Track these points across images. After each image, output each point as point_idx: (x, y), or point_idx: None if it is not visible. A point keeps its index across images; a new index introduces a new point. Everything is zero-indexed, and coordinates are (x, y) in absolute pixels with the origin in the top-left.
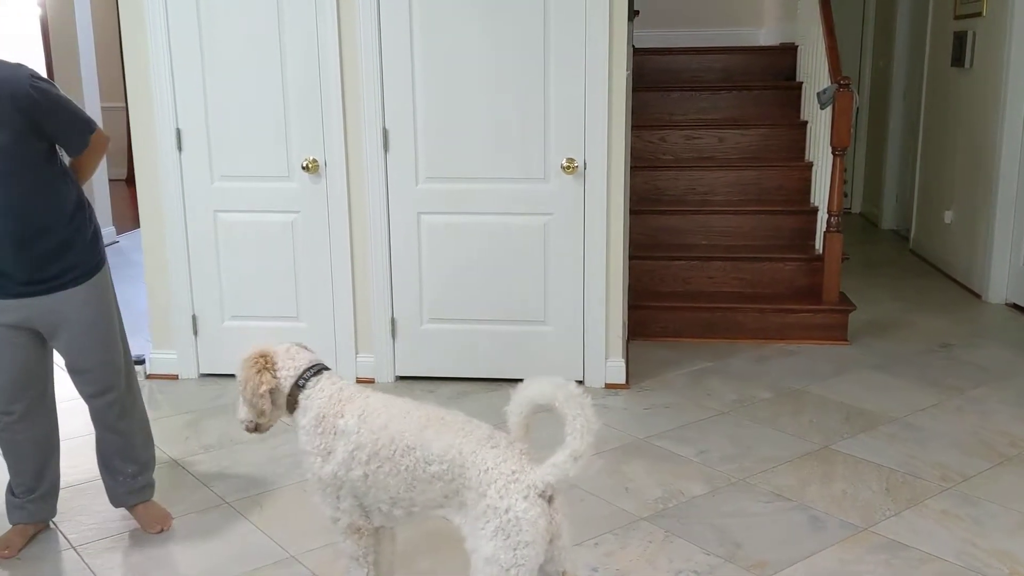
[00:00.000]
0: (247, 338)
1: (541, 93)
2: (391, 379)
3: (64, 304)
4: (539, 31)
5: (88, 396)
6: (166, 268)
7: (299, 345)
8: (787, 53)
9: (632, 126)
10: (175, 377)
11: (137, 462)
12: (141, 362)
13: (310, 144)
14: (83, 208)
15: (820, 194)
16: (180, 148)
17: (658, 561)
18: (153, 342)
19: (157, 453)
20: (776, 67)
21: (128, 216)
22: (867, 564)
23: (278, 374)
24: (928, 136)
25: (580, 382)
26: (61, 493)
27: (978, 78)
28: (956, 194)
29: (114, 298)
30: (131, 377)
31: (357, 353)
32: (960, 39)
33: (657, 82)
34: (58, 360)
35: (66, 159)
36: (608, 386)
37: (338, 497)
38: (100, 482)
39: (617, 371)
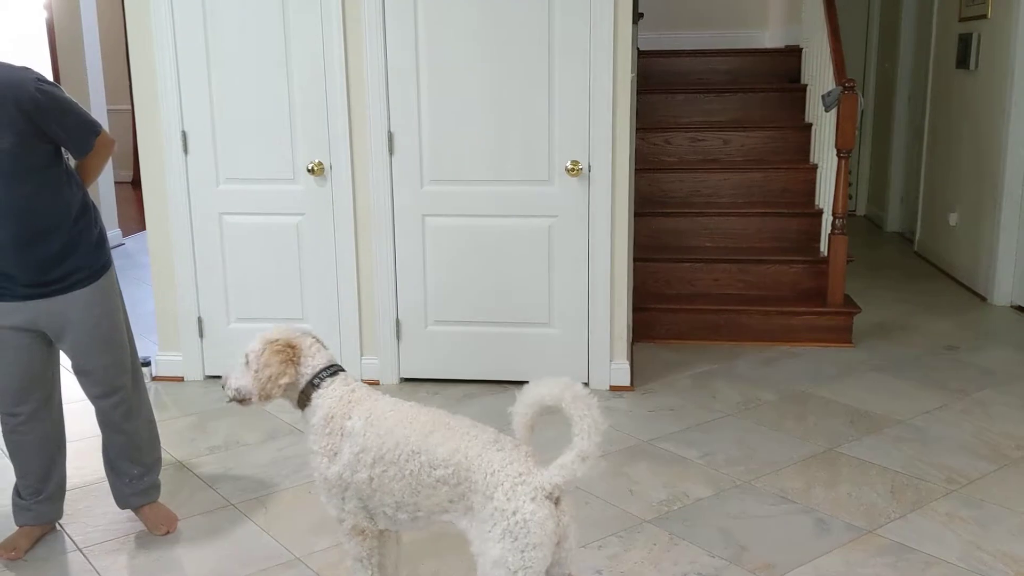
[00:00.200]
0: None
1: (545, 95)
2: (396, 381)
3: (70, 306)
4: (544, 33)
5: (94, 397)
6: (172, 270)
7: (316, 339)
8: (792, 55)
9: (636, 128)
10: (181, 379)
11: (143, 463)
12: (147, 364)
13: (315, 147)
14: (88, 210)
15: (825, 196)
16: (186, 150)
17: (663, 564)
18: (159, 344)
19: (163, 455)
20: (781, 69)
21: (134, 218)
22: (872, 567)
23: (300, 370)
24: (933, 138)
25: (585, 384)
26: (67, 495)
27: (983, 80)
28: (961, 196)
29: (120, 300)
30: (138, 378)
31: (362, 355)
32: (965, 41)
33: (662, 84)
34: (64, 361)
35: (71, 162)
36: (613, 388)
37: (343, 498)
38: (106, 484)
39: (622, 373)
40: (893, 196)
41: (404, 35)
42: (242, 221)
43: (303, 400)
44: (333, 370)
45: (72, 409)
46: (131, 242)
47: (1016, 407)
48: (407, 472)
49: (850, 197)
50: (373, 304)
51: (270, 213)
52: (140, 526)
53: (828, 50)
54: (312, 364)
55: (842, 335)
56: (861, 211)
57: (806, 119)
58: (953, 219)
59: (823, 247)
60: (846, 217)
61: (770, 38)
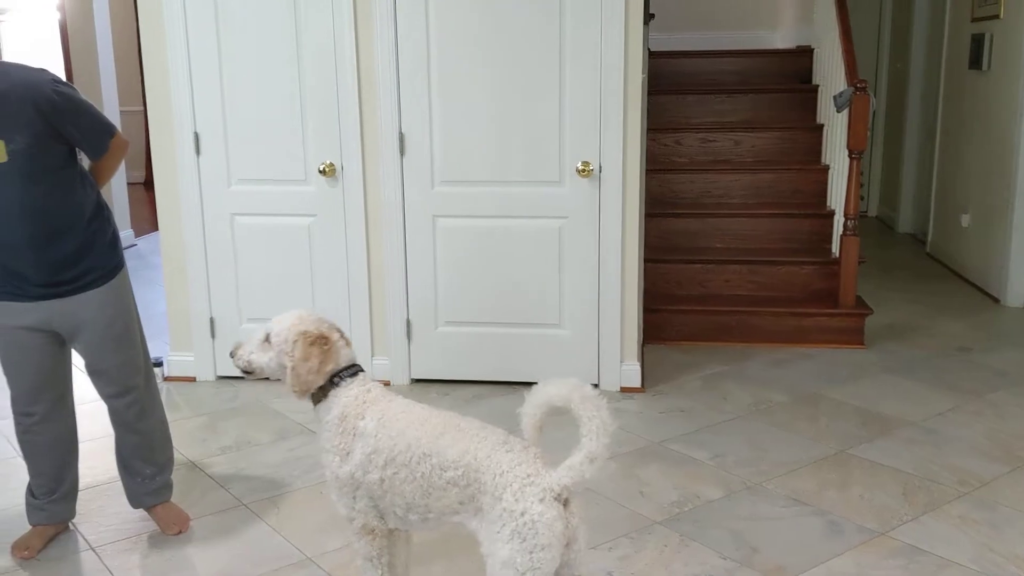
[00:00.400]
0: None
1: (556, 96)
2: (406, 381)
3: (83, 307)
4: (555, 34)
5: (107, 397)
6: (184, 271)
7: (341, 334)
8: (803, 56)
9: (647, 129)
10: (193, 379)
11: (156, 463)
12: (159, 364)
13: (327, 148)
14: (102, 211)
15: (836, 197)
16: (198, 152)
17: (674, 565)
18: (171, 344)
19: (175, 455)
20: (792, 70)
21: (146, 219)
22: (884, 569)
23: (328, 367)
24: (945, 139)
25: (595, 385)
26: (80, 494)
27: (995, 80)
28: (973, 197)
29: (133, 300)
30: (150, 378)
31: (373, 356)
32: (977, 41)
33: (672, 85)
34: (78, 361)
35: (85, 162)
36: (623, 390)
37: (354, 497)
38: (119, 483)
39: (632, 375)
40: (905, 197)
41: (416, 35)
42: (254, 222)
43: (319, 396)
44: (354, 371)
45: (85, 409)
46: (143, 243)
47: None
48: (418, 474)
49: (862, 198)
50: (384, 305)
51: (282, 214)
52: (152, 526)
53: (840, 51)
54: (335, 361)
55: (854, 336)
56: (873, 212)
57: (817, 120)
58: (965, 220)
59: (835, 248)
60: (858, 218)
61: (781, 39)
